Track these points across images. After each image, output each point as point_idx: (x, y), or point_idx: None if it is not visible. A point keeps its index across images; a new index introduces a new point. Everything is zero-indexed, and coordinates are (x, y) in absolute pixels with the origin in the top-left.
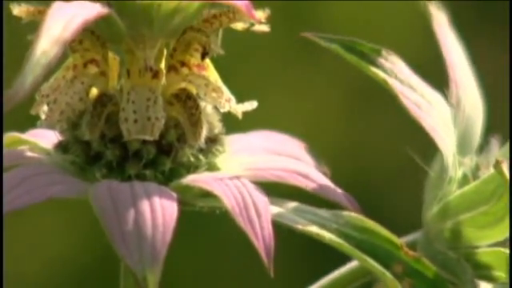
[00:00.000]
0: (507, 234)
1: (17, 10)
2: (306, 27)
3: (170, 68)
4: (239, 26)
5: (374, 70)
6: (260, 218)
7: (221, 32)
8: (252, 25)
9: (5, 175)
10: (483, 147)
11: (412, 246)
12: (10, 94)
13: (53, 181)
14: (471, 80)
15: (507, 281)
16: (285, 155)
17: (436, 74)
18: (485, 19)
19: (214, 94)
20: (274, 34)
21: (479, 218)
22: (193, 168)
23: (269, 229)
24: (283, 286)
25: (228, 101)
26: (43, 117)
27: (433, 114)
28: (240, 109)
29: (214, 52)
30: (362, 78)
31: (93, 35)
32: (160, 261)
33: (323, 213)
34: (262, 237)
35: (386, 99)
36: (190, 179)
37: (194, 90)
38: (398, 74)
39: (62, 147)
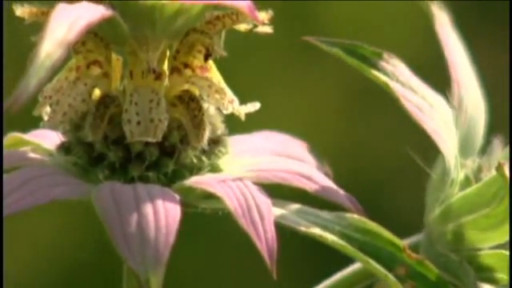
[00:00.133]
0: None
1: (20, 10)
2: (306, 27)
3: (173, 70)
4: (242, 27)
5: (376, 73)
6: (263, 219)
7: (224, 33)
8: (255, 26)
9: (8, 176)
10: (485, 148)
11: (414, 248)
12: (14, 97)
13: (56, 182)
14: (473, 80)
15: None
16: (287, 156)
17: (436, 74)
18: (485, 19)
19: (217, 96)
20: (275, 34)
21: (481, 220)
22: (196, 170)
23: (272, 231)
24: None
25: (231, 102)
26: (46, 118)
27: (434, 116)
28: (243, 110)
29: (216, 54)
30: (362, 78)
31: (96, 37)
32: (163, 263)
33: (326, 215)
34: (264, 239)
35: (386, 99)
36: (193, 181)
37: (196, 92)
38: (399, 76)
39: (64, 148)
